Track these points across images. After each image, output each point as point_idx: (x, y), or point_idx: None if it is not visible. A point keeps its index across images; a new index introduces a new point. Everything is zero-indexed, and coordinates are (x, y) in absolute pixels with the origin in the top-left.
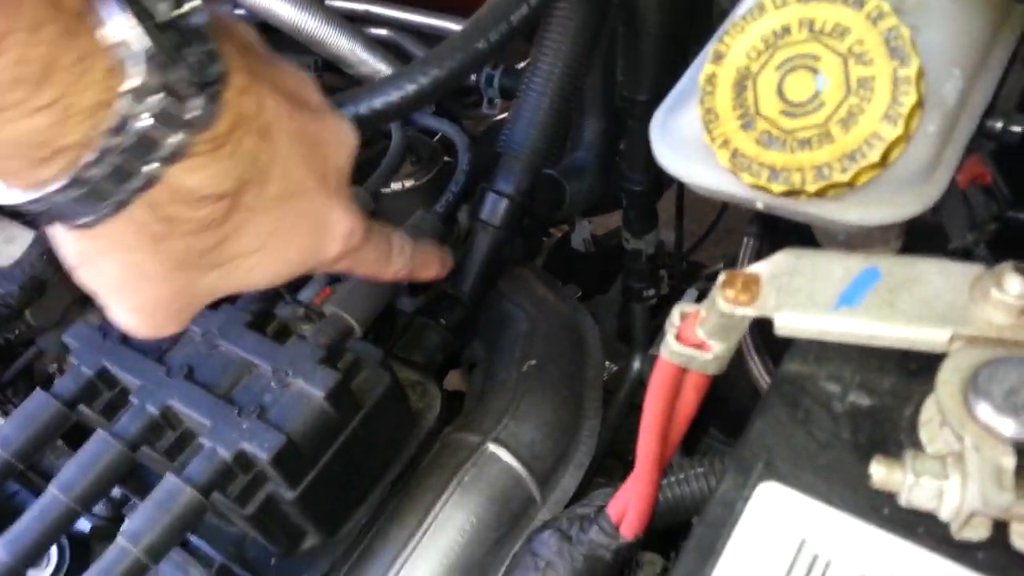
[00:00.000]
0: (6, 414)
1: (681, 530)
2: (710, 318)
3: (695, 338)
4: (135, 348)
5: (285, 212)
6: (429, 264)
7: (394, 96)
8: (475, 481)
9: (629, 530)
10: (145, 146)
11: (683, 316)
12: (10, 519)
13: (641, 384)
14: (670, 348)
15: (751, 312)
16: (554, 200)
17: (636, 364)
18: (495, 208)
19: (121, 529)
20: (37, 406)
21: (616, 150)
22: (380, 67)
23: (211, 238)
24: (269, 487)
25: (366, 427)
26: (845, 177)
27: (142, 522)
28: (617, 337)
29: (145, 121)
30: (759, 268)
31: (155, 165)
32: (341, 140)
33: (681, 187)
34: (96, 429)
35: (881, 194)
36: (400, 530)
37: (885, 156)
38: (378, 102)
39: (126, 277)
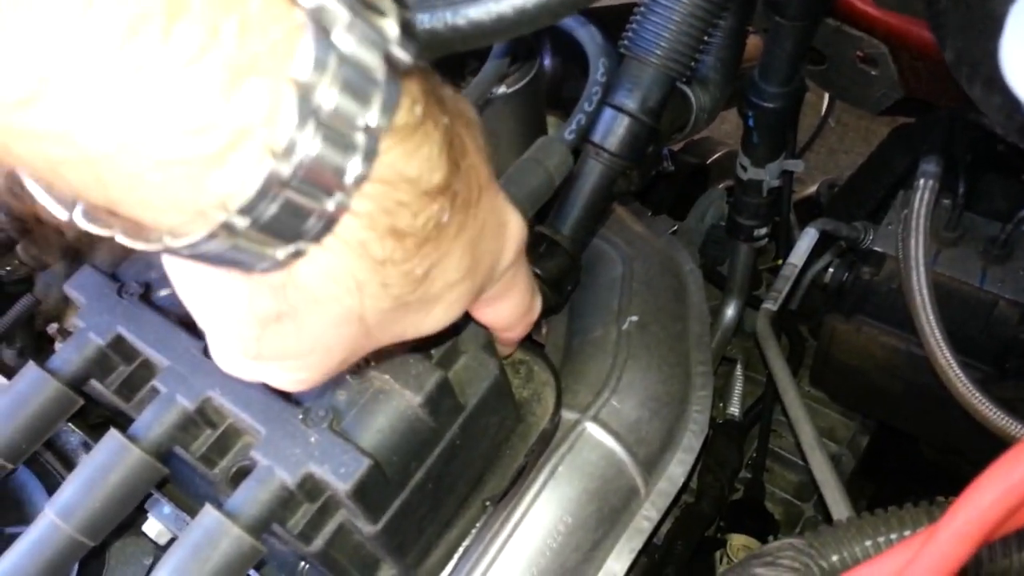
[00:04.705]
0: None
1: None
2: None
3: None
4: (159, 309)
5: (479, 215)
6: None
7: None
8: (571, 470)
9: None
10: (345, 122)
11: None
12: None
13: (735, 335)
14: None
15: None
16: (679, 119)
17: (730, 311)
18: (612, 128)
19: None
20: (31, 385)
21: (741, 54)
22: None
23: (428, 259)
24: (341, 515)
25: (466, 435)
26: None
27: None
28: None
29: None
30: None
31: (360, 146)
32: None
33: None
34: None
35: None
36: (482, 531)
37: None
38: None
39: (328, 337)
